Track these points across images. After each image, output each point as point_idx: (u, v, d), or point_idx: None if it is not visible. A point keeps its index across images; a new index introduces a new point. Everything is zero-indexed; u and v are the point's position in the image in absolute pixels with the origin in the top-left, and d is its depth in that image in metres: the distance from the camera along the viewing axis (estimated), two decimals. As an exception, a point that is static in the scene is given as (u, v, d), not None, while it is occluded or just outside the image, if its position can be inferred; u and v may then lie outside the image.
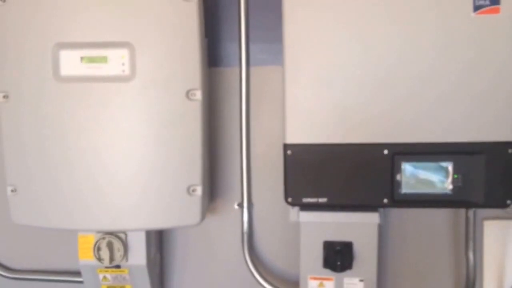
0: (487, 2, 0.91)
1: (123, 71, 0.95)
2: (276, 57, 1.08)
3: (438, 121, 0.94)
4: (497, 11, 0.91)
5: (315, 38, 0.96)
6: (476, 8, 0.91)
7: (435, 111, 0.94)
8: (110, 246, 1.03)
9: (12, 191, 0.99)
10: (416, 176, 0.96)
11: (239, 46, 1.11)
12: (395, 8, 0.93)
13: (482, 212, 1.08)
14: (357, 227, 1.00)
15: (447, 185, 0.95)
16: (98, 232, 1.04)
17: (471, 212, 1.05)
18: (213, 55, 1.12)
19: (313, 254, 1.02)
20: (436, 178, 0.96)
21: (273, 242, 1.18)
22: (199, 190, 0.98)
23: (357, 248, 1.01)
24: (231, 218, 1.18)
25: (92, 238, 1.05)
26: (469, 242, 1.07)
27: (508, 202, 0.94)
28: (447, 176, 0.95)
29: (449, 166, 0.95)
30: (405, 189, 0.96)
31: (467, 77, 0.93)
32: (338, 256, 1.00)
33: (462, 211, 1.08)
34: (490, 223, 1.10)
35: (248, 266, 1.15)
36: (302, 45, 0.96)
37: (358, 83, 0.95)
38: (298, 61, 0.96)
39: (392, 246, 1.14)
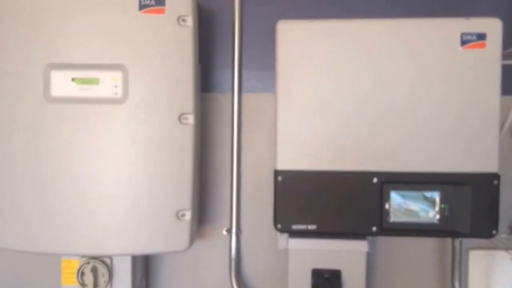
0: (474, 37, 0.94)
1: (116, 93, 0.94)
2: (268, 84, 1.10)
3: (426, 152, 0.96)
4: (483, 46, 0.94)
5: (308, 67, 0.97)
6: (464, 42, 0.94)
7: (424, 141, 0.96)
8: (94, 271, 1.01)
9: (-5, 213, 0.96)
10: (404, 205, 0.97)
11: (232, 73, 1.13)
12: (386, 40, 0.96)
13: (468, 241, 1.10)
14: (346, 255, 1.01)
15: (434, 215, 0.97)
16: (83, 256, 1.02)
17: (457, 241, 1.06)
18: (206, 80, 1.13)
19: (301, 281, 1.01)
20: (424, 207, 0.97)
21: (261, 269, 1.17)
22: (188, 215, 0.96)
23: (345, 276, 1.01)
24: (219, 244, 1.17)
25: (76, 263, 1.02)
26: (454, 271, 1.08)
27: (494, 232, 0.96)
28: (434, 206, 0.97)
29: (437, 196, 0.97)
30: (393, 218, 0.97)
31: (454, 109, 0.95)
32: (326, 284, 1.00)
33: (449, 240, 1.09)
34: (475, 253, 1.12)
35: (235, 293, 1.14)
36: (294, 74, 0.98)
37: (349, 112, 0.97)
38: (290, 89, 0.98)
39: (379, 274, 1.15)
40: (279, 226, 0.99)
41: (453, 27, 0.95)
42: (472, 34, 0.94)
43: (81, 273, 1.01)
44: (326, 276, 1.00)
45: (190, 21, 0.95)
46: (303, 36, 0.97)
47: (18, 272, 1.21)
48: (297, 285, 1.02)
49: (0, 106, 0.95)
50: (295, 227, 0.99)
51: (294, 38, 0.97)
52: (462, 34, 0.94)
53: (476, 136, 0.95)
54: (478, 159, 0.95)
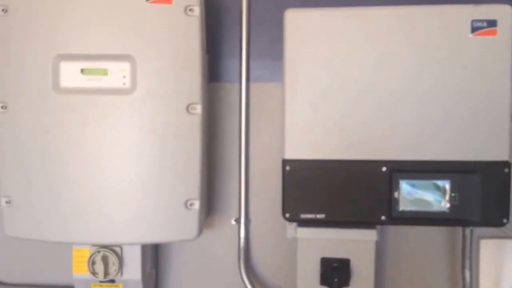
0: (485, 24, 0.93)
1: (124, 83, 0.95)
2: (276, 74, 1.10)
3: (436, 140, 0.95)
4: (494, 33, 0.93)
5: (315, 56, 0.97)
6: (474, 29, 0.93)
7: (433, 129, 0.95)
8: (105, 260, 1.02)
9: (6, 202, 0.97)
10: (413, 194, 0.97)
11: (239, 62, 1.12)
12: (394, 29, 0.95)
13: (478, 230, 1.09)
14: (355, 244, 1.00)
15: (444, 204, 0.96)
16: (94, 245, 1.03)
17: (467, 230, 1.05)
18: (214, 70, 1.13)
19: (310, 270, 1.01)
20: (434, 196, 0.96)
21: (270, 258, 1.17)
22: (196, 204, 0.97)
23: (354, 265, 1.00)
24: (228, 234, 1.17)
25: (87, 252, 1.03)
26: (465, 260, 1.07)
27: (504, 221, 0.95)
28: (444, 195, 0.96)
29: (446, 185, 0.96)
30: (402, 207, 0.97)
31: (464, 97, 0.94)
32: (335, 273, 1.00)
33: (459, 229, 1.08)
34: (486, 242, 1.10)
35: (244, 282, 1.14)
36: (302, 63, 0.97)
37: (357, 100, 0.96)
38: (298, 78, 0.97)
39: (388, 263, 1.14)
40: (287, 215, 0.99)
41: (463, 14, 0.94)
42: (482, 21, 0.93)
43: (92, 262, 1.02)
44: (335, 265, 1.00)
45: (197, 10, 0.95)
46: (311, 24, 0.97)
47: (31, 260, 1.23)
48: (306, 274, 1.02)
49: (9, 97, 0.96)
50: (304, 216, 0.99)
51: (302, 26, 0.97)
52: (473, 21, 0.93)
53: (487, 124, 0.94)
54: (489, 147, 0.95)
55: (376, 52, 0.95)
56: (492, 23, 0.93)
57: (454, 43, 0.94)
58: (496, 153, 0.95)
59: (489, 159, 0.95)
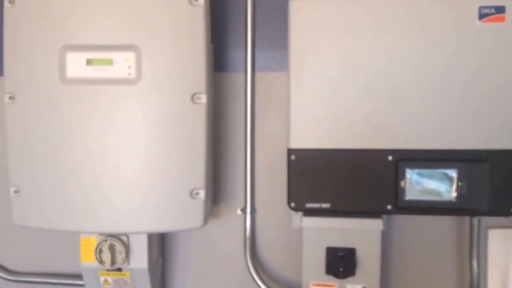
0: (493, 11, 0.91)
1: (129, 74, 0.95)
2: (282, 63, 1.10)
3: (443, 128, 0.94)
4: (502, 19, 0.91)
5: (320, 45, 0.96)
6: (482, 16, 0.92)
7: (440, 118, 0.94)
8: (112, 248, 1.03)
9: (15, 192, 0.99)
10: (420, 183, 0.96)
11: (245, 52, 1.12)
12: (401, 16, 0.94)
13: (486, 220, 1.08)
14: (361, 233, 1.00)
15: (451, 193, 0.95)
16: (101, 234, 1.04)
17: (475, 220, 1.04)
18: (219, 60, 1.13)
19: (315, 260, 1.01)
20: (441, 185, 0.95)
21: (276, 247, 1.18)
22: (202, 194, 0.97)
23: (360, 255, 1.00)
24: (233, 223, 1.18)
25: (94, 241, 1.04)
26: (473, 250, 1.06)
27: (513, 210, 0.94)
28: (451, 184, 0.95)
29: (454, 174, 0.95)
30: (409, 196, 0.96)
31: (472, 85, 0.93)
32: (341, 263, 0.99)
33: (466, 219, 1.07)
34: (494, 231, 1.09)
35: (250, 271, 1.14)
36: (307, 52, 0.97)
37: (363, 89, 0.96)
38: (303, 67, 0.97)
39: (395, 253, 1.14)
40: (292, 204, 0.99)
41: (470, 0, 0.92)
42: (490, 7, 0.92)
43: (99, 251, 1.03)
44: (341, 254, 1.00)
45: (201, 0, 0.94)
46: (315, 13, 0.96)
47: (39, 249, 1.25)
48: (312, 263, 1.02)
49: (17, 88, 0.97)
50: (309, 205, 0.99)
51: (307, 15, 0.96)
52: (480, 8, 0.92)
53: (495, 112, 0.93)
54: (497, 135, 0.93)
55: (382, 41, 0.95)
56: (500, 10, 0.91)
57: (462, 30, 0.93)
58: (504, 141, 0.93)
59: (498, 148, 0.93)
